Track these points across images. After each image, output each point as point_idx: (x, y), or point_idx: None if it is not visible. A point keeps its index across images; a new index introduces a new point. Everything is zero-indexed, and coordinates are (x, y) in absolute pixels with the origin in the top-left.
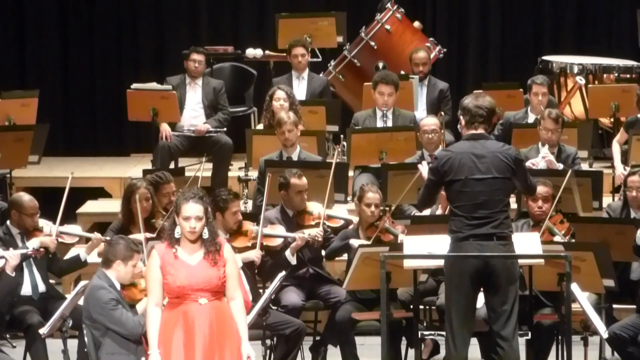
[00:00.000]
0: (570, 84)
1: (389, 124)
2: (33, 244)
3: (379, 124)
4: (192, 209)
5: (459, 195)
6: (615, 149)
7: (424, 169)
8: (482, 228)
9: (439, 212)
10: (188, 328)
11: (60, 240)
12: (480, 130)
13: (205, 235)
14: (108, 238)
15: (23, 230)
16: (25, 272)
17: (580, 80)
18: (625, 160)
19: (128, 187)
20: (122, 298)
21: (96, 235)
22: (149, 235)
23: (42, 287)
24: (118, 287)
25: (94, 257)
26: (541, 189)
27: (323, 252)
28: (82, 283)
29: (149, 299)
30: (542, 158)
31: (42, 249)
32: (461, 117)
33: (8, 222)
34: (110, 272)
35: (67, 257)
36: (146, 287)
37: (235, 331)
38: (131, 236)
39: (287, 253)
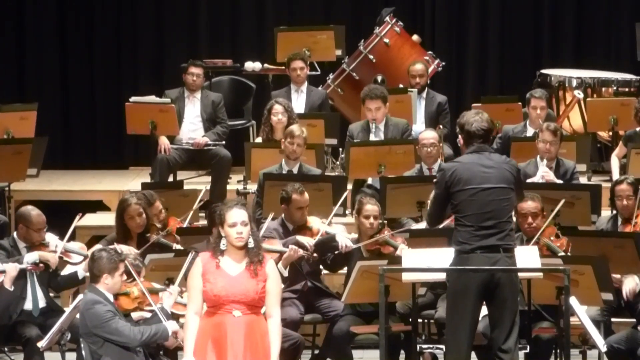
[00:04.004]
0: (569, 98)
1: (381, 135)
2: (32, 257)
3: (371, 137)
4: (238, 215)
5: (468, 205)
6: (614, 163)
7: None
8: (489, 239)
9: None
10: (220, 342)
11: (64, 258)
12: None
13: (251, 244)
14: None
15: (29, 244)
16: (28, 288)
17: (579, 94)
18: (623, 174)
19: (120, 203)
20: (116, 309)
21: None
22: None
23: (42, 303)
24: (111, 298)
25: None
26: (530, 205)
27: (321, 267)
28: (81, 296)
29: (188, 306)
30: (541, 177)
31: (41, 265)
32: (460, 136)
33: (15, 234)
34: (100, 285)
35: (64, 272)
36: (187, 295)
37: (266, 348)
38: (123, 247)
39: (279, 266)
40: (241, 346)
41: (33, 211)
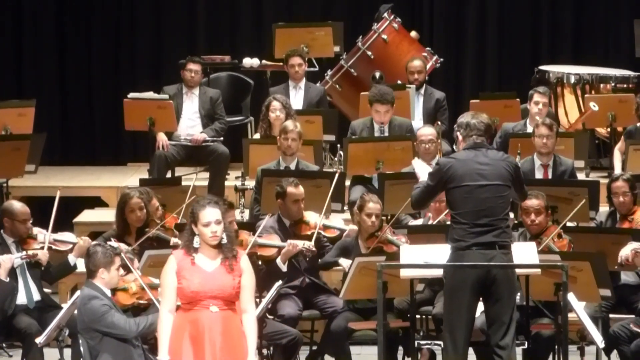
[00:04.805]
0: (568, 94)
1: (386, 133)
2: (22, 254)
3: (377, 134)
4: (211, 214)
5: (463, 202)
6: (616, 157)
7: (418, 166)
8: (485, 236)
9: (430, 222)
10: (197, 338)
11: (54, 247)
12: (480, 141)
13: (224, 240)
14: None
15: (17, 238)
16: (20, 282)
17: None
18: (623, 170)
19: (121, 197)
20: (114, 304)
21: (84, 239)
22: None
23: (37, 296)
24: (108, 293)
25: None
26: (533, 202)
27: (320, 261)
28: (79, 292)
29: (162, 304)
30: None
31: (35, 254)
32: (458, 134)
33: (1, 230)
34: (97, 280)
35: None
36: (160, 292)
37: (243, 344)
38: (122, 245)
39: (278, 261)
40: (219, 342)
41: (16, 204)
